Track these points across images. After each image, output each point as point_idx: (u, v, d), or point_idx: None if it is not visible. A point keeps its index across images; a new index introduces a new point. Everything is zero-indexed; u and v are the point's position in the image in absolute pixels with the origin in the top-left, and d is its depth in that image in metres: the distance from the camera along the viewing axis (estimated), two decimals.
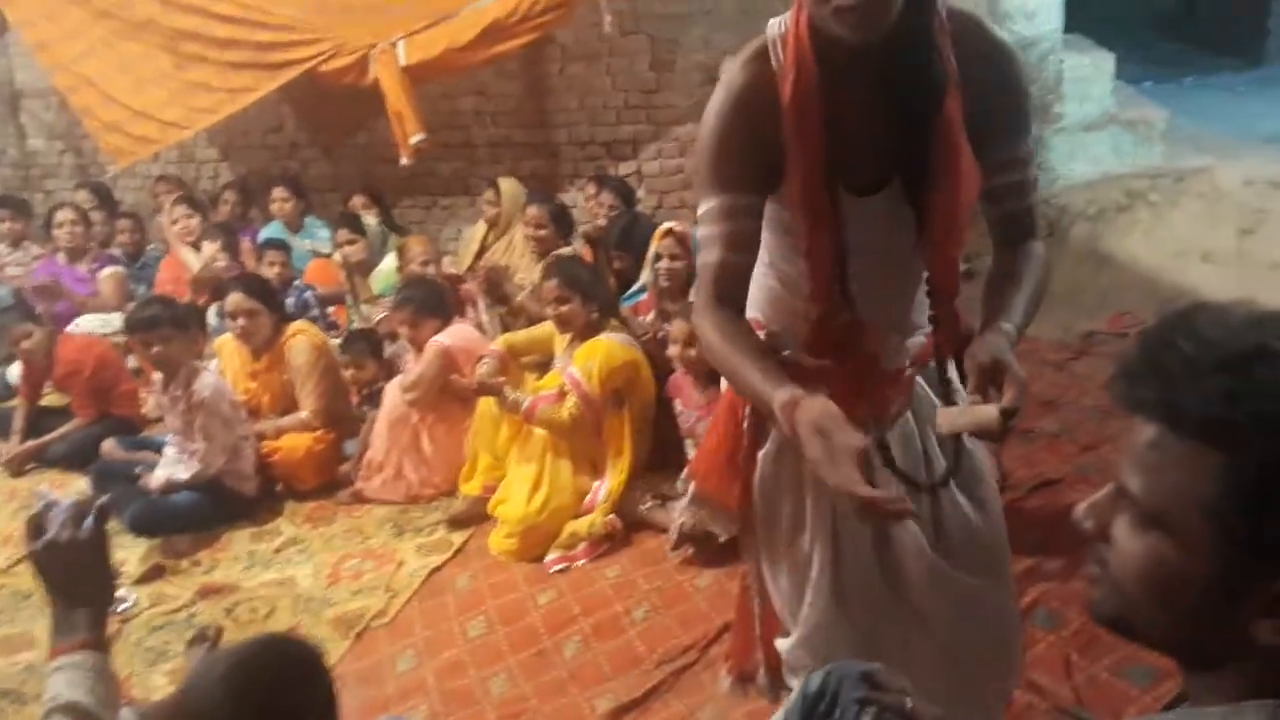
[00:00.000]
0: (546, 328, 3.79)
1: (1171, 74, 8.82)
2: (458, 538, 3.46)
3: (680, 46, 5.38)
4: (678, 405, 3.35)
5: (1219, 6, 10.16)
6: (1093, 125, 5.45)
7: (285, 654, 1.57)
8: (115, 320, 4.84)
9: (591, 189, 5.12)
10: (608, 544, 3.28)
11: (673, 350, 3.26)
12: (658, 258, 3.78)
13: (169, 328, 3.60)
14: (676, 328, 3.25)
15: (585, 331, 3.46)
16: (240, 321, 3.89)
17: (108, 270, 5.31)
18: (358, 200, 5.42)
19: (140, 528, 3.57)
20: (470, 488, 3.62)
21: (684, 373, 3.35)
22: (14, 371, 4.70)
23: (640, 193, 6.03)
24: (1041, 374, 4.11)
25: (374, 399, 3.91)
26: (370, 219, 5.04)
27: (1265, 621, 0.78)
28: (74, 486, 4.01)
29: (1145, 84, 7.44)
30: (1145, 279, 4.82)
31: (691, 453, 3.27)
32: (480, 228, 5.32)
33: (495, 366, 3.58)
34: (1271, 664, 0.80)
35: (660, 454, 3.52)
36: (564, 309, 3.45)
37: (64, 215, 5.40)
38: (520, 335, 3.83)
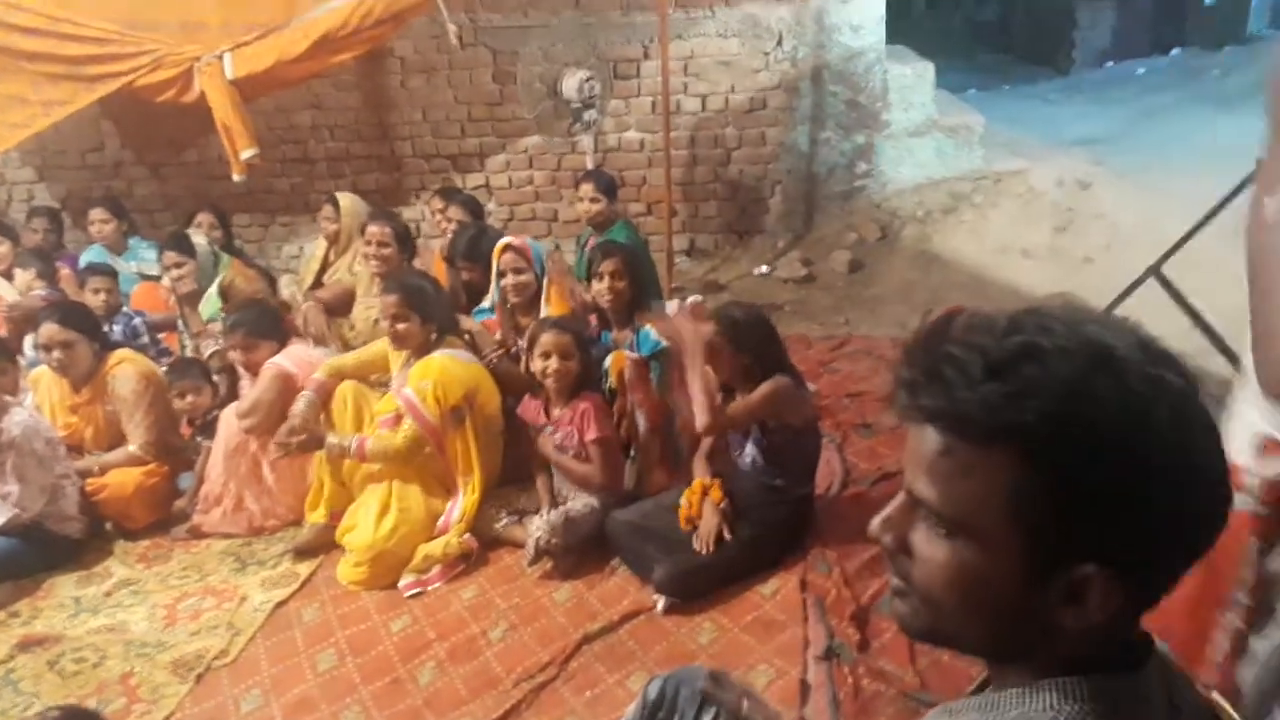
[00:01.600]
0: (377, 347, 3.68)
1: (992, 82, 9.42)
2: (304, 569, 3.33)
3: (520, 58, 5.36)
4: (537, 426, 3.33)
5: (1031, 20, 10.91)
6: (917, 131, 5.75)
7: None
8: None
9: (438, 203, 5.05)
10: (463, 564, 3.23)
11: (535, 364, 3.22)
12: (501, 274, 3.75)
13: None
14: (544, 341, 3.21)
15: (420, 351, 3.40)
16: (55, 353, 3.63)
17: None
18: (204, 218, 5.14)
19: None
20: (316, 516, 3.47)
21: (538, 396, 3.33)
22: None
23: (490, 205, 6.00)
24: (878, 370, 4.29)
25: (208, 429, 3.72)
26: (200, 239, 4.80)
27: (1068, 609, 0.81)
28: None
29: (969, 92, 7.91)
30: (972, 275, 5.12)
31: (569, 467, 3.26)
32: (321, 245, 5.15)
33: (310, 408, 3.45)
34: (1075, 647, 0.84)
35: (513, 469, 3.49)
36: (400, 326, 3.37)
37: None
38: (349, 358, 3.70)
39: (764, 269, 5.64)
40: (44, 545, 3.40)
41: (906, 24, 6.11)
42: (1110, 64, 9.86)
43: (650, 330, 3.53)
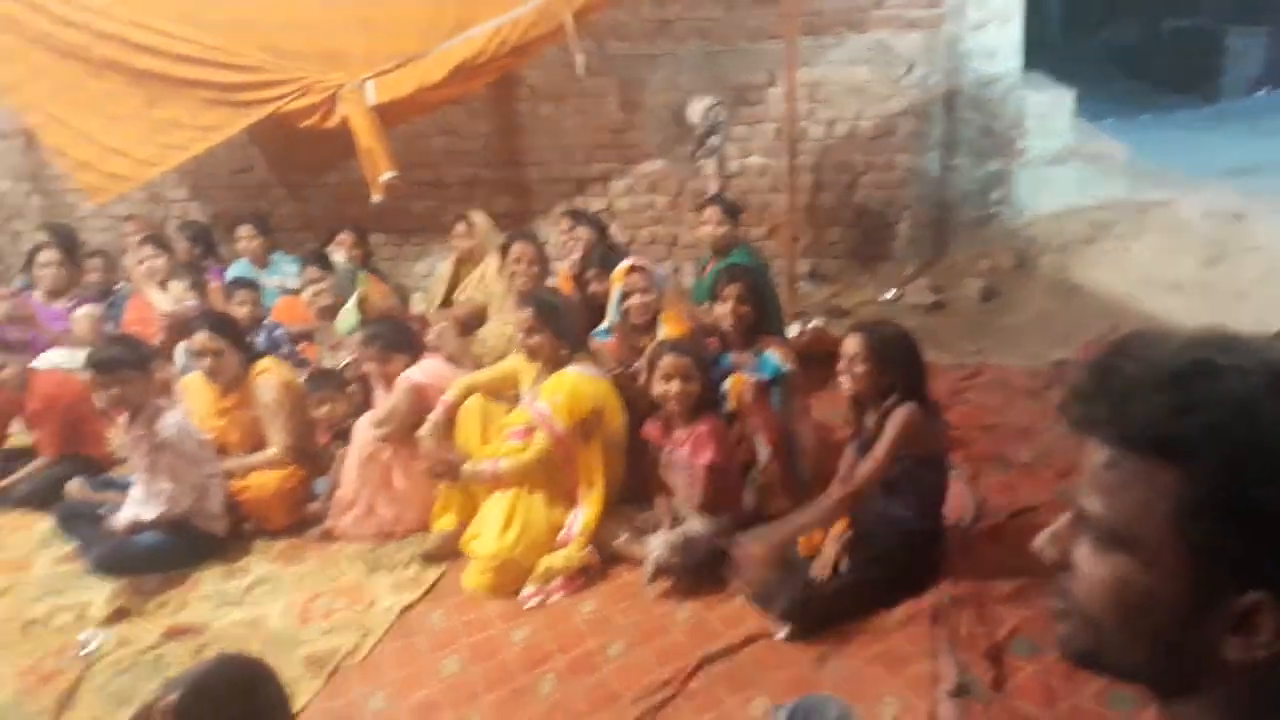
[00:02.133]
0: (509, 364, 3.77)
1: (1132, 110, 9.06)
2: (431, 574, 3.41)
3: (647, 87, 5.45)
4: (660, 447, 3.33)
5: (1176, 47, 10.46)
6: (1055, 159, 5.58)
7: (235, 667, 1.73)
8: (81, 356, 4.77)
9: (566, 224, 5.14)
10: (584, 578, 3.24)
11: (657, 387, 3.24)
12: (624, 295, 3.79)
13: (128, 369, 3.53)
14: (665, 363, 3.23)
15: (551, 365, 3.45)
16: (206, 360, 3.84)
17: (83, 309, 5.26)
18: (345, 237, 5.37)
19: (106, 568, 3.49)
20: (443, 523, 3.57)
21: (660, 417, 3.33)
22: None
23: (612, 228, 6.07)
24: (1014, 402, 4.14)
25: (343, 437, 3.86)
26: (339, 256, 5.02)
27: (1235, 638, 0.77)
28: (38, 528, 3.92)
29: (1107, 120, 7.63)
30: (1115, 307, 4.90)
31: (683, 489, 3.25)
32: (450, 264, 5.31)
33: (437, 430, 3.55)
34: (1243, 685, 0.79)
35: (635, 487, 3.50)
36: (533, 340, 3.44)
37: (47, 256, 5.42)
38: (481, 375, 3.80)
39: (890, 294, 5.54)
40: (191, 541, 3.58)
41: (1043, 50, 5.94)
42: (1262, 92, 9.37)
43: (772, 354, 3.51)
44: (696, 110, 5.07)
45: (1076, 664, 0.89)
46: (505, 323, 4.51)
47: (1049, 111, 5.59)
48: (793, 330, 4.77)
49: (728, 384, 3.41)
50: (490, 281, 4.78)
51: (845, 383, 2.92)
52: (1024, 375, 4.42)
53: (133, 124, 5.50)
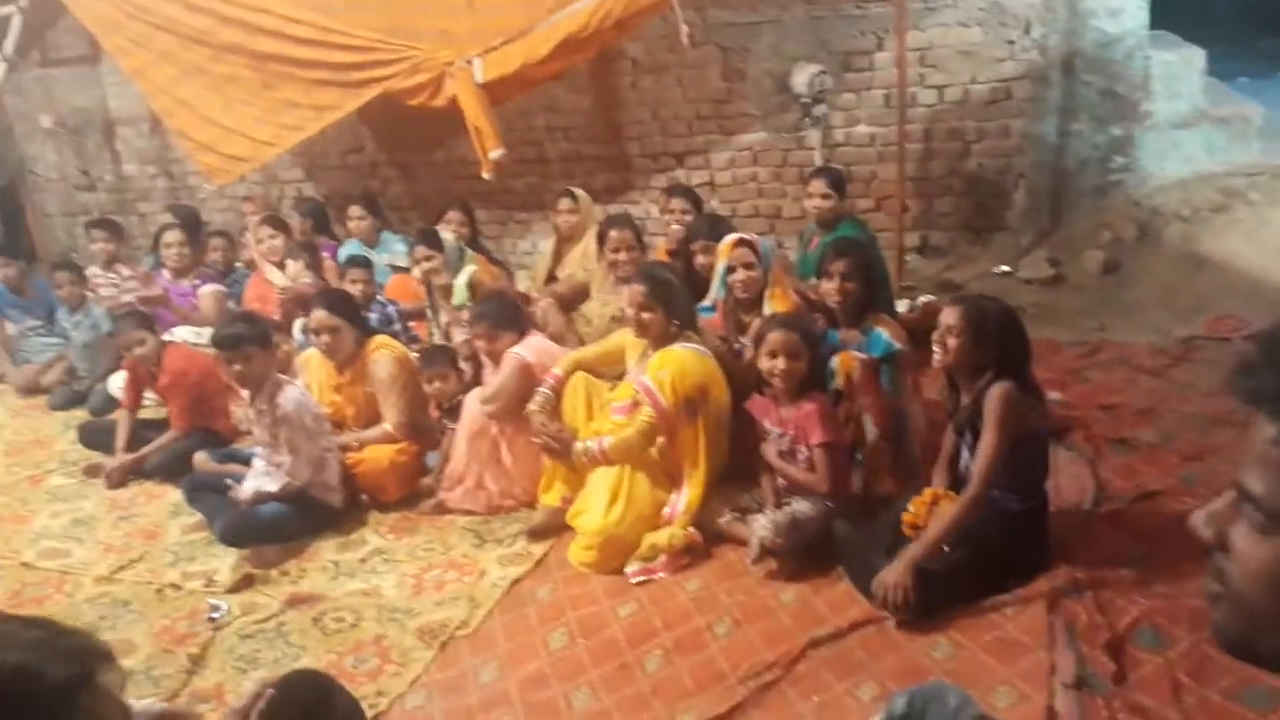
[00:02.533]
0: (615, 339, 3.79)
1: (1266, 69, 8.47)
2: (538, 549, 3.47)
3: (750, 56, 5.36)
4: (765, 424, 3.30)
5: None
6: (1184, 123, 5.28)
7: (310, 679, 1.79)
8: (208, 333, 5.00)
9: (665, 200, 5.12)
10: (688, 557, 3.25)
11: (763, 363, 3.20)
12: (729, 270, 3.75)
13: (251, 345, 3.68)
14: (771, 339, 3.19)
15: (660, 341, 3.45)
16: (324, 337, 3.97)
17: (208, 287, 5.52)
18: (454, 215, 5.46)
19: (230, 538, 3.66)
20: (549, 498, 3.63)
21: (766, 392, 3.30)
22: (116, 384, 4.88)
23: (714, 202, 6.03)
24: (1137, 381, 3.97)
25: (453, 412, 3.94)
26: (447, 235, 5.10)
27: None
28: (169, 498, 4.14)
29: (1240, 80, 7.16)
30: (1247, 280, 4.63)
31: (788, 471, 3.22)
32: (552, 241, 5.36)
33: (546, 403, 3.59)
34: None
35: (738, 466, 3.48)
36: (645, 316, 3.44)
37: (172, 237, 5.64)
38: (589, 351, 3.83)
39: (1005, 268, 5.35)
40: (309, 512, 3.72)
41: (1170, 7, 5.60)
42: None
43: (882, 332, 3.43)
44: (801, 79, 4.96)
45: (1228, 652, 0.86)
46: (605, 302, 4.52)
47: (1176, 72, 5.28)
48: (902, 306, 4.67)
49: (835, 362, 3.35)
50: (592, 259, 4.80)
51: (938, 354, 2.84)
52: (1147, 352, 4.22)
53: (251, 106, 5.72)
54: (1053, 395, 3.93)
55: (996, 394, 2.70)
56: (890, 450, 3.31)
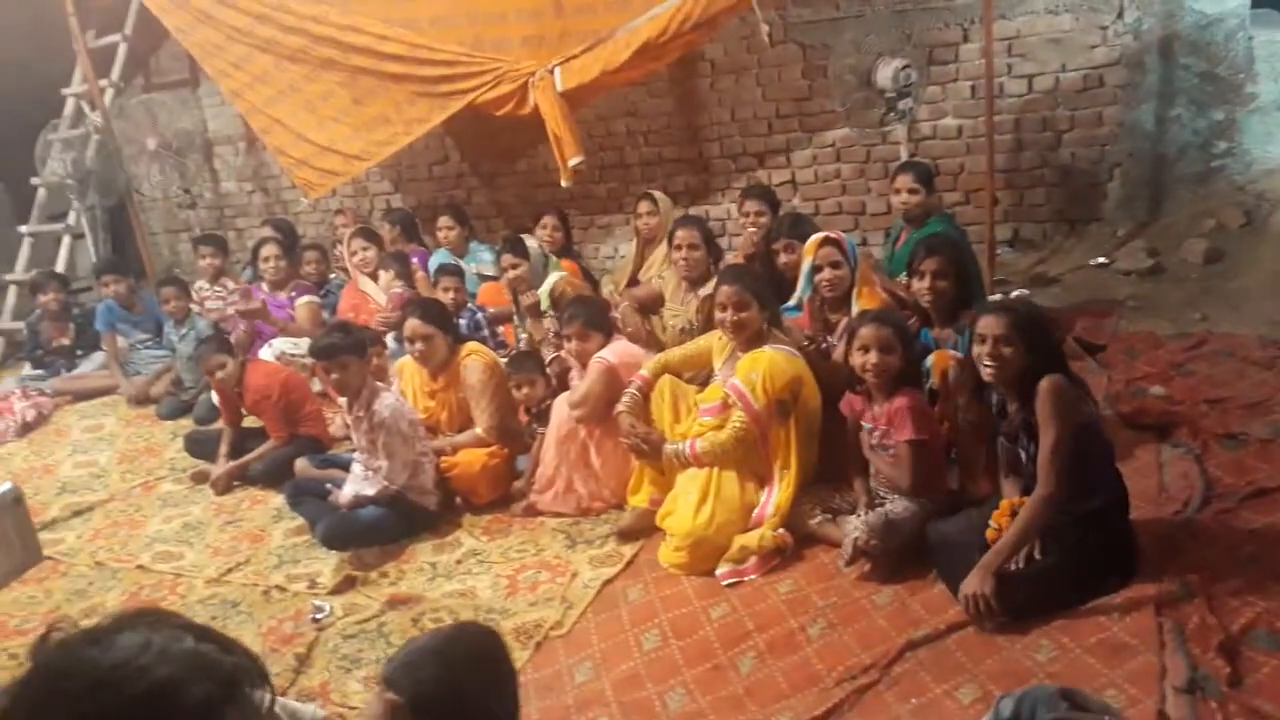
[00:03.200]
0: (702, 342, 3.79)
1: None
2: (628, 549, 3.50)
3: (832, 51, 5.31)
4: (858, 421, 3.27)
5: None
6: None
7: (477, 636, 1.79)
8: (305, 344, 5.18)
9: (742, 203, 5.08)
10: (778, 558, 3.24)
11: (855, 359, 3.17)
12: (816, 269, 3.72)
13: (348, 354, 3.80)
14: (864, 334, 3.15)
15: (750, 343, 3.44)
16: (418, 345, 4.07)
17: (304, 299, 5.70)
18: (548, 220, 5.53)
19: (331, 541, 3.78)
20: (638, 500, 3.65)
21: (859, 388, 3.27)
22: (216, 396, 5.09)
23: (795, 200, 5.99)
24: (1245, 374, 3.80)
25: (542, 417, 4.00)
26: (532, 242, 5.18)
27: None
28: (272, 502, 4.30)
29: None
30: None
31: (882, 468, 3.19)
32: (634, 245, 5.39)
33: (634, 405, 3.61)
34: None
35: (829, 468, 3.45)
36: (743, 315, 3.41)
37: (269, 251, 5.84)
38: (675, 353, 3.84)
39: (1101, 260, 5.18)
40: (406, 515, 3.82)
41: None
42: None
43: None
44: (886, 73, 4.90)
45: None
46: (675, 313, 4.52)
47: None
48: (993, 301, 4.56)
49: (930, 360, 3.30)
50: (666, 268, 4.81)
51: (990, 367, 2.75)
52: (1255, 344, 4.04)
53: (343, 122, 5.90)
54: (1155, 390, 3.82)
55: (1047, 388, 2.64)
56: (986, 451, 3.24)
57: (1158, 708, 2.24)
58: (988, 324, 2.75)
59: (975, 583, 2.62)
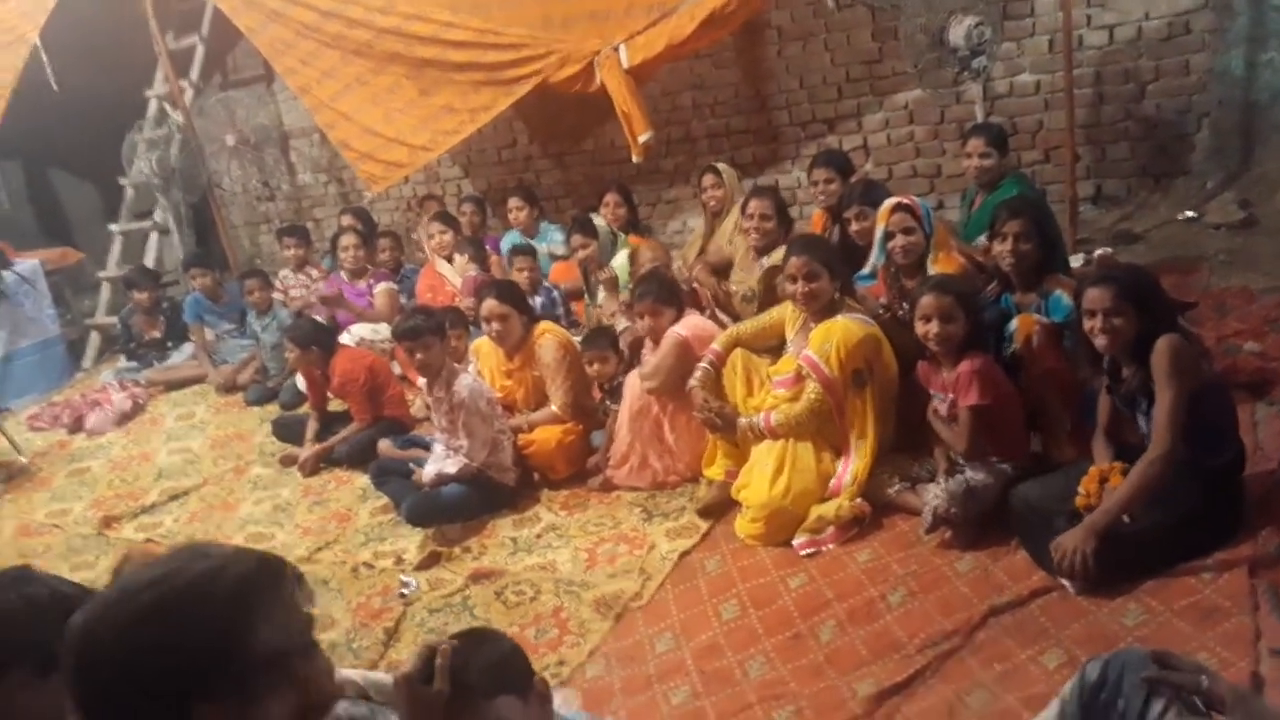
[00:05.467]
0: (773, 314, 3.75)
1: None
2: (704, 522, 3.51)
3: (902, 11, 5.18)
4: (929, 389, 3.23)
5: None
6: None
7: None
8: (384, 329, 5.30)
9: (813, 172, 5.01)
10: (856, 528, 3.22)
11: (918, 328, 3.13)
12: (888, 236, 3.65)
13: (430, 335, 3.88)
14: (923, 303, 3.11)
15: (822, 313, 3.40)
16: (494, 325, 4.13)
17: (381, 285, 5.83)
18: (610, 198, 5.51)
19: (416, 519, 3.88)
20: (713, 472, 3.66)
21: (928, 356, 3.22)
22: (302, 381, 5.25)
23: (868, 165, 5.89)
24: None
25: (614, 394, 4.03)
26: (600, 221, 5.20)
27: None
28: (357, 483, 4.42)
29: None
30: None
31: (945, 436, 3.15)
32: (703, 220, 5.36)
33: (706, 378, 3.61)
34: None
35: (906, 436, 3.41)
36: (814, 285, 3.38)
37: (348, 240, 5.97)
38: (747, 326, 3.81)
39: (1189, 214, 4.98)
40: (487, 492, 3.90)
41: None
42: None
43: (1062, 295, 3.26)
44: (959, 31, 4.76)
45: None
46: (740, 282, 4.48)
47: None
48: (1076, 260, 4.43)
49: (1013, 325, 3.22)
50: (737, 235, 4.77)
51: (1104, 340, 2.66)
52: None
53: (409, 114, 5.98)
54: (1249, 346, 3.66)
55: (1164, 347, 2.55)
56: (1071, 416, 3.16)
57: (1252, 670, 2.18)
58: (1094, 298, 2.68)
59: (1076, 539, 2.57)
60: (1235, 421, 2.75)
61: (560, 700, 2.68)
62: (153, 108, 7.50)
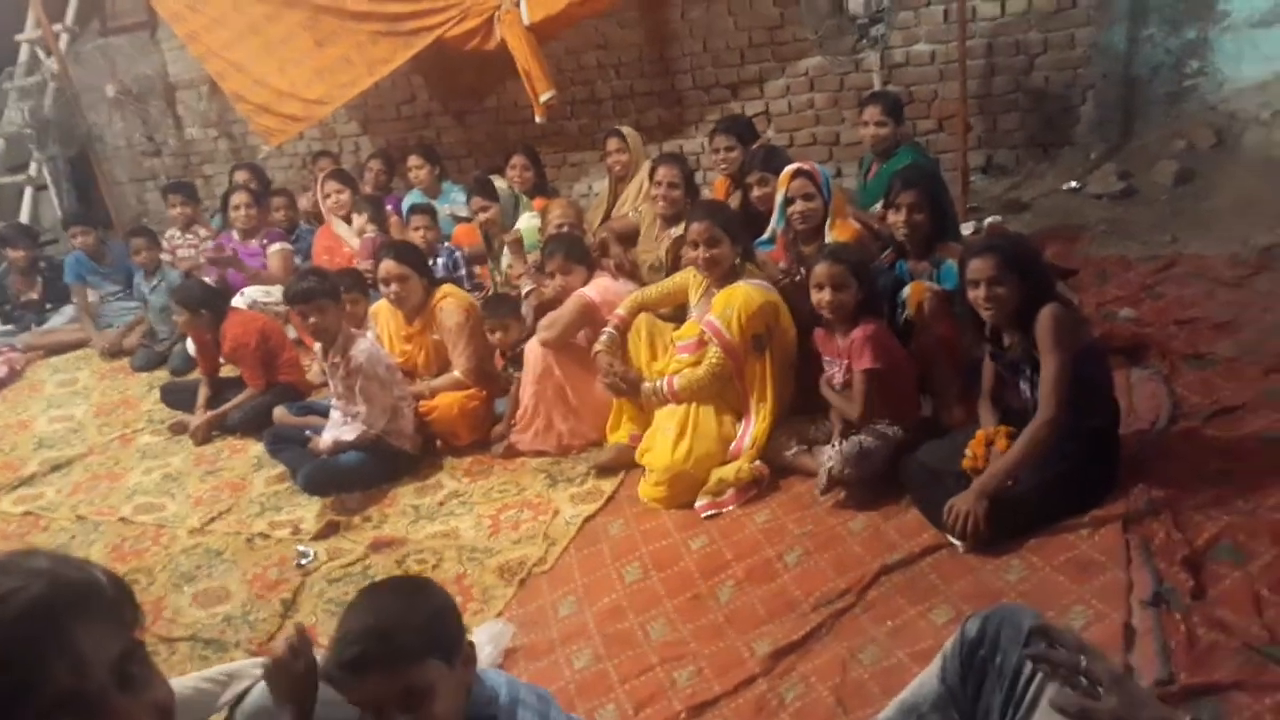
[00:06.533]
0: (677, 279, 3.78)
1: None
2: (608, 486, 3.54)
3: None
4: (824, 355, 3.30)
5: None
6: (1263, 20, 5.01)
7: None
8: (278, 292, 5.13)
9: (714, 139, 5.02)
10: (756, 489, 3.29)
11: (813, 296, 3.19)
12: (789, 201, 3.70)
13: (324, 298, 3.77)
14: (817, 271, 3.18)
15: (724, 278, 3.44)
16: (393, 287, 4.04)
17: (275, 246, 5.63)
18: (517, 160, 5.39)
19: (313, 487, 3.80)
20: (618, 436, 3.68)
21: (823, 323, 3.30)
22: (192, 345, 5.05)
23: (769, 131, 5.94)
24: (1214, 294, 3.85)
25: (517, 361, 4.00)
26: (501, 183, 5.12)
27: None
28: (252, 451, 4.31)
29: None
30: None
31: (836, 403, 3.23)
32: (607, 183, 5.34)
33: (611, 344, 3.63)
34: None
35: (804, 399, 3.49)
36: (715, 251, 3.41)
37: (239, 198, 5.74)
38: (651, 291, 3.82)
39: (1073, 184, 5.19)
40: (387, 459, 3.84)
41: None
42: None
43: (953, 263, 3.36)
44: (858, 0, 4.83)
45: None
46: (646, 250, 4.49)
47: None
48: (967, 228, 4.57)
49: (906, 292, 3.31)
50: (644, 198, 4.77)
51: (989, 309, 2.77)
52: (1225, 264, 4.08)
53: (304, 66, 5.78)
54: (1125, 312, 3.86)
55: (1048, 317, 2.66)
56: (960, 381, 3.28)
57: (1124, 621, 2.31)
58: (977, 268, 2.76)
59: (967, 502, 2.67)
60: (1112, 384, 2.89)
61: (491, 635, 2.68)
62: (24, 53, 7.06)
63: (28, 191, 7.08)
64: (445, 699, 1.47)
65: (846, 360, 3.19)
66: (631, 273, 4.30)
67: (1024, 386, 2.82)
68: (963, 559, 2.69)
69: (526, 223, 4.79)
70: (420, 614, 1.51)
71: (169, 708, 1.06)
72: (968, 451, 2.86)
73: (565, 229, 4.32)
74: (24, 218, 6.89)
